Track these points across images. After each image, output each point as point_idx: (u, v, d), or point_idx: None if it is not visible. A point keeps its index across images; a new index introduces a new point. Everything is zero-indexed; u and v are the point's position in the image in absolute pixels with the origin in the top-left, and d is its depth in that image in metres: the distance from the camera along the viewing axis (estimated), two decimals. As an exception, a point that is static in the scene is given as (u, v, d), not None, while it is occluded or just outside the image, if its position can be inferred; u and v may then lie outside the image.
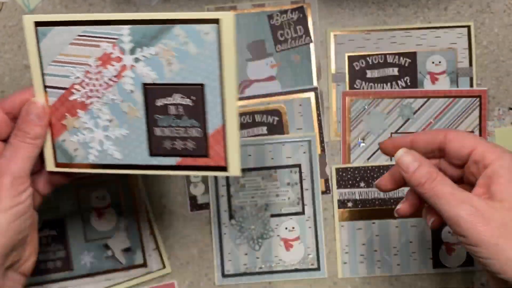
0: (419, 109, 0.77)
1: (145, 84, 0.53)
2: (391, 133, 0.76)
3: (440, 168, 0.52)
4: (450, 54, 0.77)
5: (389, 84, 0.77)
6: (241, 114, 0.75)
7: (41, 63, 0.54)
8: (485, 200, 0.44)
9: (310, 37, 0.76)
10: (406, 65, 0.78)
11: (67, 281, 0.74)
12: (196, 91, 0.52)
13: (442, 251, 0.76)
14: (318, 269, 0.74)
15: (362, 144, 0.76)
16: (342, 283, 0.74)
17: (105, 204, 0.75)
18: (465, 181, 0.52)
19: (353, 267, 0.74)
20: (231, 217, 0.75)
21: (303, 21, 0.76)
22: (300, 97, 0.74)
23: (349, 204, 0.74)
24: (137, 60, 0.52)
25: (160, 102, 0.53)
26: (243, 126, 0.74)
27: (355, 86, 0.76)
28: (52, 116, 0.55)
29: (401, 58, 0.77)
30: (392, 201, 0.75)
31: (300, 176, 0.75)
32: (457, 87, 0.78)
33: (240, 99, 0.75)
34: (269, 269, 0.73)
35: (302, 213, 0.75)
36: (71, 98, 0.55)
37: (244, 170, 0.69)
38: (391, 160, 0.75)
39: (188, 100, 0.52)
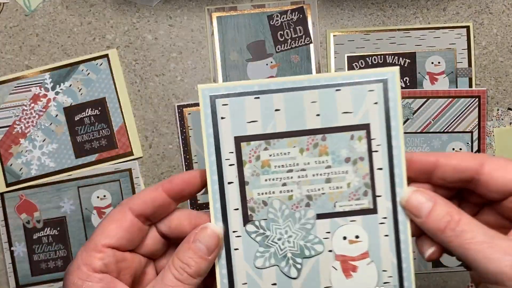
0: (418, 109, 0.78)
1: (65, 108, 0.74)
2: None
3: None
4: (449, 55, 0.77)
5: (388, 84, 0.77)
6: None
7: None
8: None
9: (310, 38, 0.76)
10: (406, 65, 0.78)
11: (68, 280, 0.75)
12: (100, 103, 0.74)
13: (442, 251, 0.75)
14: None
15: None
16: None
17: (106, 204, 0.75)
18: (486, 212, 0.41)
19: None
20: (246, 220, 0.40)
21: (302, 21, 0.76)
22: (300, 98, 0.74)
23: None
24: (57, 93, 0.74)
25: (77, 117, 0.74)
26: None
27: (354, 86, 0.76)
28: (1, 149, 0.73)
29: (401, 58, 0.77)
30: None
31: (369, 146, 0.41)
32: (456, 87, 0.78)
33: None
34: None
35: (373, 211, 0.41)
36: (14, 131, 0.74)
37: (264, 137, 0.40)
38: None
39: (96, 111, 0.74)
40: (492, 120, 0.77)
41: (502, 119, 0.77)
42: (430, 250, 0.39)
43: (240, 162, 0.40)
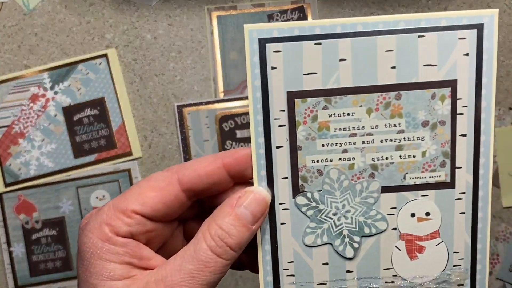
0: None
1: (63, 108, 0.74)
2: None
3: None
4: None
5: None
6: (241, 114, 0.75)
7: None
8: None
9: (310, 37, 0.76)
10: (406, 65, 0.77)
11: (67, 281, 0.75)
12: (99, 103, 0.74)
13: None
14: None
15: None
16: None
17: (105, 204, 0.75)
18: None
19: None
20: (297, 191, 0.34)
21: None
22: (300, 97, 0.74)
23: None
24: (56, 92, 0.73)
25: (76, 117, 0.74)
26: (243, 126, 0.74)
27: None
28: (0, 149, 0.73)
29: (401, 58, 0.77)
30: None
31: (453, 108, 0.33)
32: (458, 87, 0.77)
33: (240, 99, 0.75)
34: (372, 296, 0.36)
35: (450, 184, 0.34)
36: (13, 131, 0.73)
37: (324, 94, 0.33)
38: None
39: (95, 110, 0.74)
40: (493, 120, 0.77)
41: (504, 119, 0.77)
42: None
43: (293, 122, 0.33)
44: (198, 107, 0.75)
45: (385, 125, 0.33)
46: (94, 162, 0.74)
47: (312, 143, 0.33)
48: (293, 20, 0.75)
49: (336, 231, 0.35)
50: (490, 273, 0.78)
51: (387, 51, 0.32)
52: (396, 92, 0.33)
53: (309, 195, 0.34)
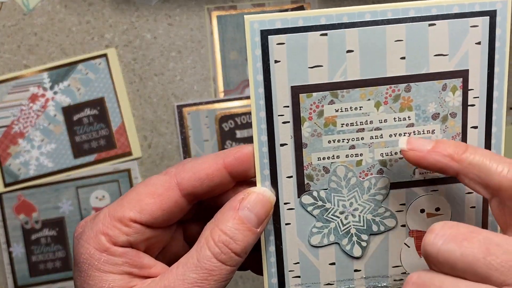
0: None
1: (63, 108, 0.74)
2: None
3: None
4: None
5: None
6: (241, 114, 0.75)
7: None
8: None
9: (310, 37, 0.76)
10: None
11: (67, 281, 0.75)
12: (99, 103, 0.74)
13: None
14: None
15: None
16: None
17: (105, 205, 0.75)
18: None
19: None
20: (302, 190, 0.33)
21: (303, 20, 0.76)
22: (300, 97, 0.74)
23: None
24: (55, 92, 0.73)
25: (76, 117, 0.74)
26: (243, 126, 0.74)
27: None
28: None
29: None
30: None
31: (465, 99, 0.32)
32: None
33: (240, 99, 0.75)
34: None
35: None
36: (12, 131, 0.73)
37: (331, 87, 0.31)
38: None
39: (95, 110, 0.74)
40: (493, 120, 0.76)
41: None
42: None
43: (298, 119, 0.31)
44: (198, 107, 0.74)
45: (394, 118, 0.32)
46: (94, 162, 0.74)
47: (318, 140, 0.32)
48: (293, 20, 0.75)
49: (343, 230, 0.33)
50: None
51: (396, 41, 0.30)
52: (406, 84, 0.31)
53: (315, 194, 0.32)
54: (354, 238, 0.33)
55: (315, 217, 0.33)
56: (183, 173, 0.30)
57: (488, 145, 0.32)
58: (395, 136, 0.32)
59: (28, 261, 0.75)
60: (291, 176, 0.32)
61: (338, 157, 0.32)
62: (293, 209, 0.32)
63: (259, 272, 0.33)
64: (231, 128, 0.76)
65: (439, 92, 0.31)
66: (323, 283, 0.34)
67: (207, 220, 0.31)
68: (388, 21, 0.30)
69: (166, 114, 0.75)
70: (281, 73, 0.31)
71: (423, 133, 0.32)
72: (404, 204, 0.33)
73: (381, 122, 0.32)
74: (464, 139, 0.32)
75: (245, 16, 0.30)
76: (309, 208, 0.33)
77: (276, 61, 0.30)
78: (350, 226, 0.33)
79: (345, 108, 0.31)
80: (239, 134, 0.76)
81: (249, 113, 0.76)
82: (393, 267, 0.34)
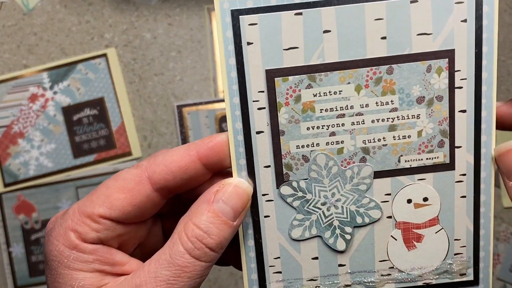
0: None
1: (63, 108, 0.74)
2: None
3: None
4: (451, 54, 0.77)
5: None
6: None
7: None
8: None
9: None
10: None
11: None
12: (99, 103, 0.74)
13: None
14: (475, 283, 0.34)
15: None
16: None
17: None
18: None
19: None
20: (281, 180, 0.31)
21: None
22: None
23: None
24: (55, 92, 0.74)
25: (75, 117, 0.74)
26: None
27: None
28: None
29: (402, 57, 0.77)
30: None
31: (451, 81, 0.30)
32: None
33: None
34: (366, 292, 0.33)
35: (450, 166, 0.32)
36: (12, 131, 0.74)
37: (307, 70, 0.29)
38: None
39: (95, 110, 0.74)
40: (494, 120, 0.76)
41: (505, 119, 0.77)
42: None
43: (274, 104, 0.29)
44: (198, 107, 0.74)
45: (376, 103, 0.30)
46: (94, 162, 0.74)
47: (296, 127, 0.30)
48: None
49: (326, 222, 0.31)
50: (491, 274, 0.78)
51: (376, 19, 0.29)
52: (388, 66, 0.29)
53: (294, 184, 0.31)
54: (338, 231, 0.31)
55: (295, 209, 0.31)
56: (154, 167, 0.29)
57: (477, 131, 0.30)
58: (378, 121, 0.30)
59: (28, 261, 0.75)
60: (269, 166, 0.30)
61: (317, 144, 0.30)
62: (272, 200, 0.31)
63: (241, 267, 0.32)
64: (231, 128, 0.75)
65: (424, 74, 0.29)
66: (306, 278, 0.32)
67: None
68: None
69: (166, 114, 0.75)
70: (254, 56, 0.29)
71: (408, 118, 0.30)
72: (389, 194, 0.31)
73: (363, 107, 0.30)
74: (451, 124, 0.30)
75: (214, -5, 0.28)
76: (289, 200, 0.31)
77: (248, 43, 0.29)
78: (332, 218, 0.31)
79: (324, 93, 0.29)
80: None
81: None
82: (379, 261, 0.32)
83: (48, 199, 0.74)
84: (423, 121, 0.30)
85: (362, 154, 0.30)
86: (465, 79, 0.30)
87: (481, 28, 0.29)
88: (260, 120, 0.30)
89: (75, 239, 0.28)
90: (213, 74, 0.75)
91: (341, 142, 0.30)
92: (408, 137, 0.30)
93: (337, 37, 0.29)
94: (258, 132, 0.30)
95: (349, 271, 0.32)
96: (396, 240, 0.32)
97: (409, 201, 0.32)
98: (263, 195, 0.31)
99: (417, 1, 0.28)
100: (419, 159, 0.31)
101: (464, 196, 0.31)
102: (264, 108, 0.29)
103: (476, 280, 0.33)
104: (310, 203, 0.31)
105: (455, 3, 0.29)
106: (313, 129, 0.30)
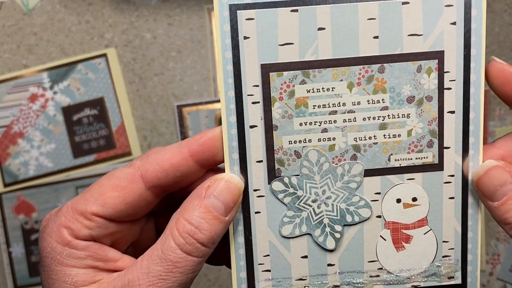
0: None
1: (63, 108, 0.74)
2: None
3: None
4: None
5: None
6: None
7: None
8: None
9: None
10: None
11: (67, 281, 0.75)
12: (99, 103, 0.74)
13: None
14: (463, 287, 0.33)
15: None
16: None
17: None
18: None
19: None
20: (272, 175, 0.31)
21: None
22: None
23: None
24: (55, 92, 0.74)
25: (75, 117, 0.74)
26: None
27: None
28: None
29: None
30: None
31: (441, 81, 0.31)
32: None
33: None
34: (354, 292, 0.33)
35: (438, 166, 0.32)
36: (12, 131, 0.74)
37: (302, 66, 0.30)
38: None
39: (95, 110, 0.74)
40: (494, 119, 0.76)
41: (505, 119, 0.77)
42: None
43: (268, 99, 0.30)
44: (198, 107, 0.74)
45: (368, 101, 0.30)
46: (94, 162, 0.74)
47: (289, 122, 0.30)
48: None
49: (316, 220, 0.31)
50: (490, 274, 0.78)
51: (369, 19, 0.29)
52: (379, 65, 0.30)
53: (286, 180, 0.31)
54: (327, 229, 0.31)
55: (286, 205, 0.31)
56: (147, 165, 0.29)
57: (466, 132, 0.31)
58: (369, 119, 0.30)
59: (28, 261, 0.75)
60: (261, 161, 0.30)
61: (310, 140, 0.30)
62: (263, 196, 0.31)
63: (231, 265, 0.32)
64: (231, 128, 0.76)
65: (414, 74, 0.30)
66: (295, 278, 0.32)
67: None
68: None
69: (166, 114, 0.75)
70: (250, 50, 0.29)
71: (398, 117, 0.30)
72: (379, 193, 0.31)
73: (354, 105, 0.30)
74: (441, 124, 0.30)
75: (214, -10, 0.29)
76: (280, 196, 0.31)
77: (245, 37, 0.29)
78: (323, 215, 0.31)
79: (317, 89, 0.30)
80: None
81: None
82: (368, 262, 0.32)
83: (48, 199, 0.74)
84: (413, 121, 0.31)
85: (353, 151, 0.31)
86: (454, 80, 0.30)
87: (469, 31, 0.30)
88: (254, 114, 0.30)
89: (68, 236, 0.28)
90: (213, 74, 0.75)
91: (333, 139, 0.31)
92: (398, 136, 0.31)
93: (331, 34, 0.29)
94: (251, 126, 0.30)
95: (338, 271, 0.32)
96: (385, 240, 0.32)
97: (398, 200, 0.32)
98: (255, 190, 0.31)
99: (409, 3, 0.29)
100: (408, 159, 0.31)
101: (453, 198, 0.31)
102: (259, 102, 0.30)
103: (464, 284, 0.33)
104: (301, 200, 0.31)
105: (445, 5, 0.30)
106: (305, 125, 0.30)
